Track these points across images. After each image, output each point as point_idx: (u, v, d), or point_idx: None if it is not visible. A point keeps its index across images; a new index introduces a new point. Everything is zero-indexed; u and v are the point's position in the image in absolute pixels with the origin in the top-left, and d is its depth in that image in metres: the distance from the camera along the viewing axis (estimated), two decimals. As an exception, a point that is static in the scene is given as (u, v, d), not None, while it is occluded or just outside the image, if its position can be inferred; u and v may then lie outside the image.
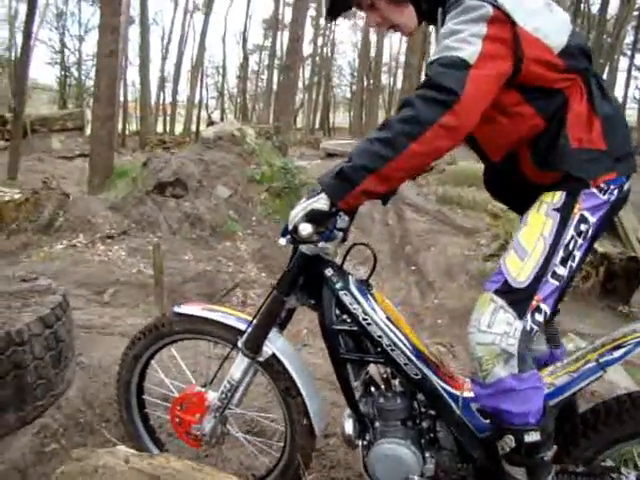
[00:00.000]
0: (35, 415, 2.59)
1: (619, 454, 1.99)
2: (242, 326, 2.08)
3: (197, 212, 8.87)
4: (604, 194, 1.72)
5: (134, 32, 34.13)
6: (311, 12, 30.85)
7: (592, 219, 1.73)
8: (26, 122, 18.39)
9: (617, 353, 1.75)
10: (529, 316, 1.70)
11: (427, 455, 1.93)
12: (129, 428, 2.44)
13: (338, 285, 1.92)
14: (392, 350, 1.89)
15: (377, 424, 1.98)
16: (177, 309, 2.22)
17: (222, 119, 37.01)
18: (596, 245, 7.10)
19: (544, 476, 1.76)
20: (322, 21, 40.59)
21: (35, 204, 8.36)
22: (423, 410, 1.98)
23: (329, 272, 1.93)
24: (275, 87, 36.42)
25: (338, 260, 2.00)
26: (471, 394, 1.88)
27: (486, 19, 1.56)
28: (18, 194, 8.47)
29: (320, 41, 43.70)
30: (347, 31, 64.37)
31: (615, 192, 1.74)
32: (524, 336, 1.68)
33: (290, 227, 1.75)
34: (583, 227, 1.72)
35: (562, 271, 1.72)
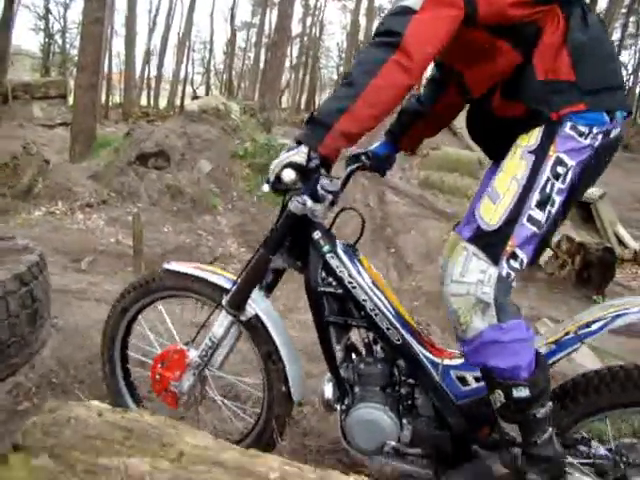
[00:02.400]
0: (8, 373, 2.58)
1: (591, 428, 2.02)
2: (228, 285, 2.09)
3: (178, 184, 8.82)
4: (585, 138, 1.67)
5: (121, 2, 33.66)
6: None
7: (571, 162, 1.67)
8: (7, 88, 18.08)
9: (595, 326, 1.77)
10: (504, 262, 1.66)
11: (404, 421, 1.95)
12: (109, 382, 2.43)
13: (325, 248, 1.93)
14: (375, 314, 1.91)
15: (356, 389, 2.00)
16: (167, 265, 2.23)
17: (207, 95, 36.73)
18: (574, 234, 7.22)
19: (538, 434, 1.73)
20: (311, 1, 40.37)
21: (14, 169, 8.24)
22: (403, 377, 2.00)
23: (317, 235, 1.94)
24: (262, 65, 36.19)
25: (327, 224, 2.01)
26: (452, 362, 1.91)
27: None
28: (-4, 159, 8.35)
29: (309, 21, 43.40)
30: (336, 12, 63.76)
31: (599, 137, 1.69)
32: (500, 283, 1.66)
33: (272, 178, 1.74)
34: (560, 169, 1.67)
35: (539, 215, 1.67)
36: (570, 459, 1.82)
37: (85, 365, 2.87)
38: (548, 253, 6.95)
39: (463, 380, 1.91)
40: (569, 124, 1.67)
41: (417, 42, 1.59)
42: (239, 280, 2.05)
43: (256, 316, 2.07)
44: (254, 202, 9.17)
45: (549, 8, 1.68)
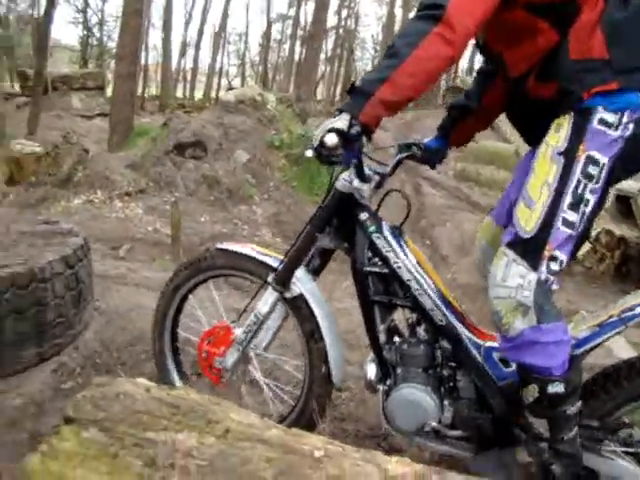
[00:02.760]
0: (53, 352, 2.65)
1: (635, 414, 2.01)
2: (275, 264, 2.13)
3: (215, 174, 8.89)
4: (615, 129, 1.65)
5: (158, -5, 34.00)
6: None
7: (603, 159, 1.66)
8: (47, 79, 18.43)
9: (639, 309, 1.76)
10: (543, 267, 1.69)
11: (446, 403, 1.97)
12: (158, 360, 2.49)
13: (372, 229, 1.97)
14: (420, 295, 1.93)
15: (399, 370, 2.02)
16: (219, 245, 2.29)
17: (242, 87, 36.96)
18: (613, 228, 7.10)
19: (565, 431, 1.76)
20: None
21: (55, 158, 8.44)
22: (445, 359, 2.01)
23: (364, 216, 1.98)
24: (297, 57, 36.26)
25: (373, 206, 2.03)
26: (494, 344, 1.92)
27: None
28: (38, 148, 8.52)
29: (344, 13, 43.27)
30: (372, 4, 63.43)
31: (630, 126, 1.66)
32: (539, 287, 1.68)
33: (316, 143, 1.77)
34: (592, 169, 1.66)
35: (573, 217, 1.68)
36: (612, 446, 1.84)
37: (127, 347, 2.93)
38: (587, 247, 6.85)
39: (505, 362, 1.93)
40: (597, 117, 1.65)
41: (459, 15, 1.60)
42: (286, 258, 2.09)
43: (301, 295, 2.11)
44: (289, 192, 9.21)
45: None
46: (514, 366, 1.90)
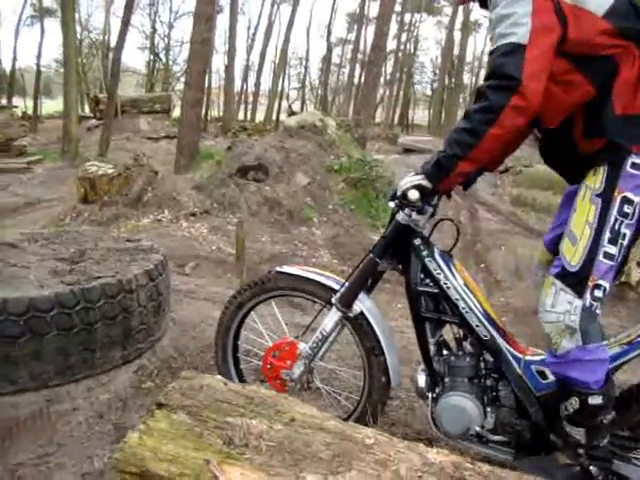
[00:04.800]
0: (136, 355, 2.96)
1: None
2: (336, 286, 2.39)
3: (276, 197, 9.21)
4: None
5: (220, 20, 34.82)
6: (396, 8, 30.80)
7: (636, 198, 1.86)
8: (117, 103, 19.20)
9: None
10: (588, 294, 1.90)
11: (488, 410, 2.20)
12: (222, 369, 2.75)
13: (424, 253, 2.22)
14: (466, 312, 2.17)
15: (446, 379, 2.25)
16: (279, 269, 2.55)
17: (302, 110, 37.46)
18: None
19: (600, 439, 1.99)
20: (406, 17, 40.49)
21: (126, 179, 8.87)
22: (488, 370, 2.25)
23: (417, 241, 2.23)
24: (356, 81, 36.59)
25: (426, 233, 2.29)
26: (533, 357, 2.15)
27: None
28: (111, 169, 8.99)
29: (404, 37, 43.52)
30: (431, 28, 63.51)
31: None
32: (585, 312, 1.90)
33: (399, 193, 2.06)
34: (627, 208, 1.86)
35: (613, 250, 1.89)
36: None
37: (198, 354, 3.23)
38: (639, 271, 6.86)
39: (542, 374, 2.13)
40: (630, 162, 1.85)
41: (533, 83, 1.77)
42: (349, 281, 2.34)
43: (362, 313, 2.36)
44: (348, 215, 9.44)
45: (627, 44, 1.84)
46: (551, 378, 2.11)
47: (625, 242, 1.91)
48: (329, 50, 44.21)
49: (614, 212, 1.87)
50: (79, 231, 3.81)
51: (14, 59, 33.22)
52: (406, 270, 2.28)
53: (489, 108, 1.82)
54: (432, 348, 2.28)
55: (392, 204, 2.18)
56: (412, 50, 46.58)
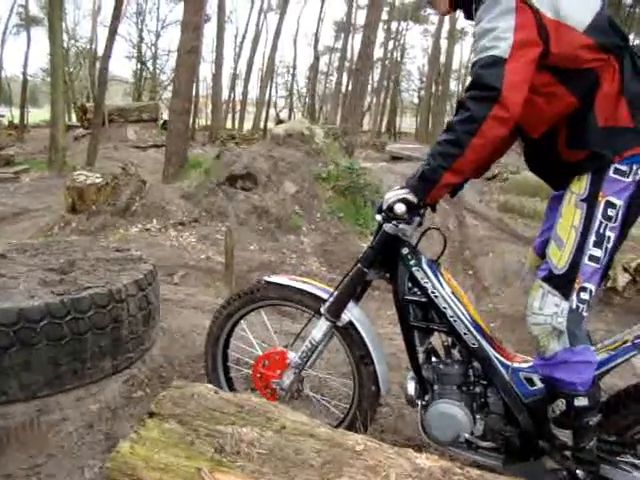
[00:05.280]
0: (126, 365, 2.96)
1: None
2: (324, 295, 2.41)
3: (265, 205, 9.24)
4: (627, 176, 1.91)
5: (208, 29, 34.82)
6: (383, 16, 30.95)
7: (619, 202, 1.92)
8: (104, 112, 19.19)
9: None
10: (574, 296, 1.95)
11: (477, 417, 2.23)
12: (212, 378, 2.76)
13: (412, 262, 2.24)
14: (454, 320, 2.20)
15: (436, 387, 2.29)
16: (268, 278, 2.57)
17: (290, 118, 37.55)
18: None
19: (586, 441, 2.02)
20: (393, 25, 40.72)
21: (114, 188, 8.86)
22: (477, 377, 2.27)
23: (405, 251, 2.25)
24: (344, 89, 36.67)
25: (413, 241, 2.32)
26: (520, 365, 2.18)
27: (513, 9, 1.81)
28: (99, 178, 8.97)
29: (390, 45, 43.75)
30: (418, 36, 63.87)
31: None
32: (572, 314, 1.95)
33: (385, 206, 2.10)
34: (611, 212, 1.92)
35: (598, 253, 1.94)
36: (629, 459, 2.08)
37: (188, 363, 3.24)
38: (627, 278, 6.93)
39: (530, 381, 2.17)
40: (612, 168, 1.91)
41: (513, 94, 1.81)
42: (337, 291, 2.36)
43: (350, 322, 2.38)
44: (336, 223, 9.49)
45: (607, 57, 1.90)
46: (538, 385, 2.15)
47: (610, 245, 1.96)
48: (316, 58, 44.39)
49: (599, 216, 1.92)
50: (68, 241, 3.81)
51: (0, 68, 33.14)
52: (394, 279, 2.30)
53: (471, 118, 1.85)
54: (421, 356, 2.31)
55: (379, 217, 2.20)
56: (399, 58, 46.88)
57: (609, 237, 1.94)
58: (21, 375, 2.54)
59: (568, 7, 1.85)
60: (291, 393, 2.51)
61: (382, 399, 2.93)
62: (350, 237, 9.04)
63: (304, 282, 2.54)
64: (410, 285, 2.26)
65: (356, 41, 38.87)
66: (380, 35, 37.38)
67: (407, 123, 54.60)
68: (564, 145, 2.02)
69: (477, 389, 2.27)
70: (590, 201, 1.93)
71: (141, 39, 41.39)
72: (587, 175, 1.95)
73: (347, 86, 34.68)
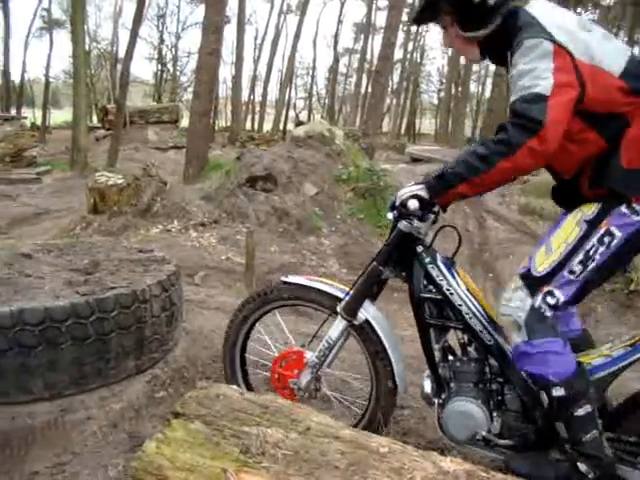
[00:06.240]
0: (149, 365, 2.98)
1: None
2: (340, 294, 2.43)
3: (285, 207, 9.24)
4: (637, 215, 1.95)
5: (228, 31, 35.00)
6: (403, 17, 30.88)
7: (618, 233, 1.97)
8: (125, 113, 19.34)
9: None
10: (540, 296, 2.03)
11: (494, 414, 2.23)
12: (230, 382, 2.76)
13: (427, 260, 2.26)
14: (470, 318, 2.22)
15: (452, 385, 2.30)
16: (284, 278, 2.59)
17: (309, 119, 37.59)
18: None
19: (580, 433, 2.03)
20: (413, 27, 40.58)
21: (136, 189, 8.89)
22: (493, 375, 2.28)
23: (420, 249, 2.27)
24: (363, 90, 36.71)
25: (428, 240, 2.33)
26: None
27: (550, 53, 1.85)
28: (121, 179, 9.02)
29: (410, 46, 43.66)
30: (437, 37, 63.57)
31: None
32: (532, 311, 2.03)
33: (398, 202, 2.15)
34: (607, 239, 1.98)
35: (578, 268, 2.01)
36: None
37: (210, 363, 3.26)
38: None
39: None
40: (625, 204, 1.96)
41: (553, 129, 1.84)
42: (353, 290, 2.38)
43: (367, 321, 2.40)
44: (356, 225, 9.46)
45: (638, 101, 1.94)
46: None
47: (593, 265, 2.01)
48: (336, 60, 44.51)
49: (594, 239, 2.00)
50: (92, 242, 3.85)
51: (23, 70, 33.58)
52: (409, 277, 2.32)
53: (507, 142, 1.88)
54: (437, 354, 2.32)
55: (390, 215, 2.24)
56: (419, 59, 46.77)
57: (595, 259, 2.00)
58: (46, 374, 2.57)
59: (602, 53, 1.92)
60: (309, 392, 2.53)
61: (403, 401, 2.93)
62: (371, 239, 9.00)
63: (321, 282, 2.56)
64: (425, 283, 2.28)
65: (376, 42, 38.74)
66: (400, 36, 37.31)
67: (426, 124, 54.54)
68: (587, 185, 2.07)
69: (494, 386, 2.28)
70: (592, 224, 2.01)
71: (162, 41, 41.82)
72: (600, 203, 2.01)
73: (367, 87, 34.72)
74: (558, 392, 2.00)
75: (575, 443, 2.04)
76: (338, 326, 2.41)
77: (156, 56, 42.61)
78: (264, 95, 39.30)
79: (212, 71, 12.45)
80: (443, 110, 42.94)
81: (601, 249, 1.99)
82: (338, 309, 2.40)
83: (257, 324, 2.72)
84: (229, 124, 33.43)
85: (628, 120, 1.95)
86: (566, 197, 2.22)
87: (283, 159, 10.06)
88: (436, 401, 2.33)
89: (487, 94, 36.68)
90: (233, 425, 1.73)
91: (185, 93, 41.85)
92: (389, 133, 37.56)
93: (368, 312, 2.40)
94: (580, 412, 2.01)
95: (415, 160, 19.15)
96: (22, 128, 18.50)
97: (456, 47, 2.25)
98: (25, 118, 24.04)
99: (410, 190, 2.12)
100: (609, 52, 1.95)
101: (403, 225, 2.20)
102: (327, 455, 1.63)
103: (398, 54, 37.14)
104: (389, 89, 33.60)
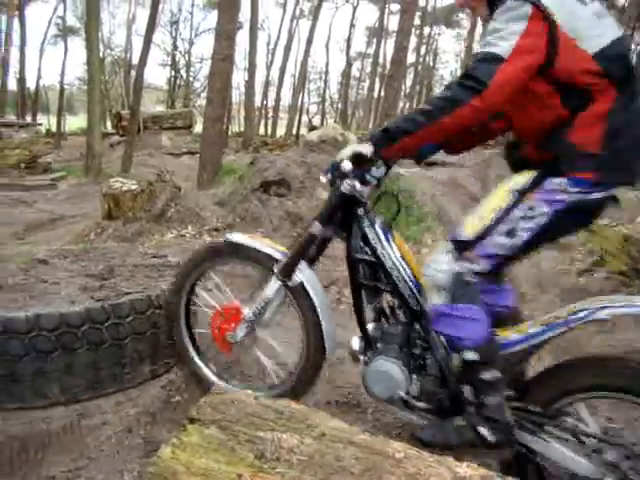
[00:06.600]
0: (164, 370, 3.00)
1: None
2: (279, 256, 2.52)
3: (298, 211, 9.23)
4: (564, 193, 1.98)
5: (240, 36, 35.13)
6: (415, 21, 30.86)
7: (545, 209, 2.01)
8: (139, 119, 19.45)
9: (582, 314, 2.04)
10: (463, 262, 2.09)
11: (414, 377, 2.31)
12: (175, 332, 2.93)
13: (365, 223, 2.35)
14: (399, 282, 2.30)
15: (379, 345, 2.39)
16: (228, 236, 2.69)
17: (322, 124, 37.61)
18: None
19: (485, 396, 2.10)
20: (425, 30, 40.59)
21: (150, 195, 8.92)
22: (418, 340, 2.36)
23: (360, 211, 2.36)
24: (376, 95, 36.68)
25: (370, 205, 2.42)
26: None
27: (526, 16, 1.87)
28: (135, 185, 9.06)
29: (423, 50, 43.59)
30: (450, 40, 63.52)
31: (576, 195, 1.98)
32: (455, 276, 2.10)
33: (333, 162, 2.25)
34: (530, 213, 2.02)
35: (503, 241, 2.06)
36: (551, 430, 2.12)
37: (227, 369, 3.25)
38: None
39: None
40: (558, 180, 1.99)
41: (496, 93, 1.91)
42: (290, 251, 2.48)
43: (301, 283, 2.48)
44: (369, 229, 9.44)
45: (607, 83, 1.95)
46: None
47: (518, 243, 2.07)
48: (349, 64, 44.49)
49: (520, 211, 2.04)
50: (107, 247, 3.88)
51: (38, 77, 33.87)
52: (348, 238, 2.39)
53: (450, 99, 1.96)
54: (368, 314, 2.42)
55: (324, 179, 2.34)
56: (431, 63, 46.71)
57: (519, 235, 2.05)
58: (62, 379, 2.60)
59: (585, 28, 1.93)
60: (243, 347, 2.68)
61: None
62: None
63: (261, 242, 2.64)
64: (362, 244, 2.36)
65: (388, 46, 38.78)
66: (412, 40, 37.28)
67: (439, 128, 54.20)
68: (533, 147, 2.13)
69: (416, 350, 2.36)
70: (522, 194, 2.05)
71: (175, 47, 41.97)
72: (533, 173, 2.06)
73: (379, 92, 34.69)
74: (470, 356, 2.07)
75: (479, 406, 2.11)
76: (273, 286, 2.50)
77: (169, 62, 42.77)
78: (277, 100, 39.28)
79: (225, 77, 12.45)
80: (456, 114, 42.68)
81: (526, 224, 2.04)
82: (275, 269, 2.48)
83: (202, 278, 2.84)
84: (242, 129, 33.50)
85: (591, 97, 1.96)
86: (515, 157, 2.27)
87: (296, 164, 10.05)
88: (362, 359, 2.42)
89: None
90: (248, 430, 1.73)
91: (198, 99, 41.94)
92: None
93: (304, 274, 2.48)
94: (487, 376, 2.07)
95: (428, 164, 19.02)
96: (37, 135, 18.64)
97: (468, 4, 2.28)
98: (40, 125, 24.23)
99: (352, 148, 2.21)
100: (593, 29, 1.95)
101: (344, 187, 2.27)
102: (342, 460, 1.63)
103: (411, 58, 37.10)
104: (402, 93, 33.62)
